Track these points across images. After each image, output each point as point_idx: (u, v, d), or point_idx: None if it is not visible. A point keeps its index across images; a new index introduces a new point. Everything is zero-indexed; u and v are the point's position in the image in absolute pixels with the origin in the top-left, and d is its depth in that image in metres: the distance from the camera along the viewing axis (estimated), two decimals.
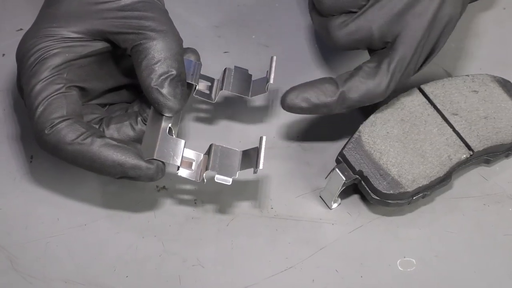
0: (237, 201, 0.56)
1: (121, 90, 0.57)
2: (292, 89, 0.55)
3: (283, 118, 0.61)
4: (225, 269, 0.54)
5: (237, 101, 0.61)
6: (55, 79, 0.51)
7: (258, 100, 0.61)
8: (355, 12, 0.55)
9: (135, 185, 0.56)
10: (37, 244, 0.54)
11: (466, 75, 0.59)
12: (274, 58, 0.58)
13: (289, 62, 0.63)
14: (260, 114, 0.61)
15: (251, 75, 0.58)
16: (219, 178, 0.52)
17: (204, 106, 0.61)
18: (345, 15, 0.55)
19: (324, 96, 0.54)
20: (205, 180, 0.52)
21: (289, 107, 0.55)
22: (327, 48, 0.65)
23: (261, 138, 0.53)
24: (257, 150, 0.53)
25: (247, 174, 0.54)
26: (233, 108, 0.61)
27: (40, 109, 0.51)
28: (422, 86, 0.59)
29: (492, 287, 0.54)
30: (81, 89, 0.53)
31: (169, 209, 0.56)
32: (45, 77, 0.51)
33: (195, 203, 0.56)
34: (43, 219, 0.55)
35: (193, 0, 0.68)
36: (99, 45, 0.53)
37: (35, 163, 0.57)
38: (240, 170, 0.53)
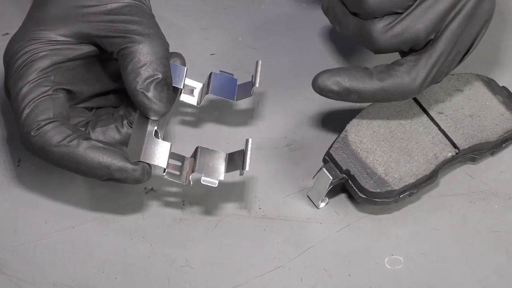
0: (225, 202, 0.57)
1: (108, 95, 0.57)
2: (325, 71, 0.55)
3: (269, 120, 0.61)
4: (214, 270, 0.54)
5: (223, 104, 0.61)
6: (42, 81, 0.51)
7: (243, 103, 0.62)
8: (399, 13, 0.54)
9: (123, 187, 0.57)
10: (25, 247, 0.54)
11: (451, 74, 0.60)
12: (260, 62, 0.58)
13: (275, 64, 0.64)
14: (246, 117, 0.61)
15: (236, 79, 0.59)
16: (205, 180, 0.52)
17: (189, 110, 0.62)
18: (388, 16, 0.54)
19: (357, 82, 0.54)
20: (191, 183, 0.52)
21: (320, 88, 0.54)
22: (315, 50, 0.65)
23: (247, 141, 0.53)
24: (243, 153, 0.53)
25: (235, 175, 0.54)
26: (219, 111, 0.62)
27: (26, 111, 0.51)
28: None
29: (479, 283, 0.54)
30: (68, 92, 0.53)
31: (157, 211, 0.56)
32: (32, 80, 0.51)
33: (183, 204, 0.57)
34: (31, 222, 0.55)
35: (180, 2, 0.68)
36: (86, 48, 0.53)
37: (23, 167, 0.58)
38: (226, 172, 0.53)
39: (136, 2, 0.54)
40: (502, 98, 0.60)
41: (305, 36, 0.66)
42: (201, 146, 0.54)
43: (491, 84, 0.60)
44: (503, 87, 0.61)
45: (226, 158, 0.54)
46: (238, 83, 0.59)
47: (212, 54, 0.65)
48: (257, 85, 0.57)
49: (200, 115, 0.61)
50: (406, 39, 0.54)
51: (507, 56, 0.65)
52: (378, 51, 0.55)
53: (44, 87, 0.51)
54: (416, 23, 0.53)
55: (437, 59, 0.54)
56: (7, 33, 0.64)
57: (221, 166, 0.53)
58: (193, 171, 0.53)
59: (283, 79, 0.64)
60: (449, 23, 0.53)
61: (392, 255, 0.55)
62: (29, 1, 0.57)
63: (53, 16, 0.53)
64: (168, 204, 0.57)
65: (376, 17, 0.54)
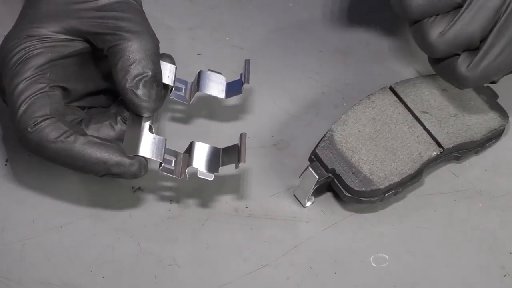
0: (212, 201, 0.57)
1: (99, 95, 0.57)
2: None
3: (256, 119, 0.61)
4: (201, 268, 0.54)
5: (211, 101, 0.62)
6: (39, 78, 0.52)
7: (230, 102, 0.62)
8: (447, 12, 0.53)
9: (111, 186, 0.57)
10: (13, 246, 0.54)
11: (435, 75, 0.60)
12: (249, 60, 0.59)
13: (262, 64, 0.64)
14: (234, 113, 0.62)
15: (224, 78, 0.59)
16: (202, 173, 0.53)
17: (179, 107, 0.62)
18: (441, 19, 0.53)
19: None
20: (188, 176, 0.53)
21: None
22: (303, 50, 0.66)
23: (241, 135, 0.54)
24: (237, 147, 0.54)
25: (222, 173, 0.55)
26: (207, 108, 0.62)
27: (23, 107, 0.51)
28: (393, 85, 0.60)
29: (463, 281, 0.55)
30: (64, 89, 0.54)
31: (144, 209, 0.56)
32: (29, 76, 0.51)
33: (171, 203, 0.57)
34: (19, 221, 0.55)
35: (167, 2, 0.68)
36: (80, 45, 0.54)
37: (10, 167, 0.58)
38: (221, 166, 0.54)
39: None
40: (486, 97, 0.60)
41: (292, 36, 0.67)
42: (195, 141, 0.54)
43: None
44: (487, 86, 0.61)
45: (220, 153, 0.54)
46: (227, 81, 0.59)
47: (199, 54, 0.65)
48: (248, 82, 0.58)
49: (189, 112, 0.62)
50: (461, 42, 0.53)
51: None
52: (435, 55, 0.55)
53: (41, 84, 0.51)
54: (469, 25, 0.53)
55: (494, 55, 0.53)
56: None
57: (217, 160, 0.54)
58: (188, 166, 0.53)
59: (270, 78, 0.64)
60: (499, 19, 0.53)
61: (377, 253, 0.55)
62: (17, 1, 0.57)
63: (46, 13, 0.53)
64: (155, 203, 0.57)
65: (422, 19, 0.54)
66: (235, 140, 0.54)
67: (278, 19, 0.68)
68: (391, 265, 0.55)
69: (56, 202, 0.56)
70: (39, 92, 0.51)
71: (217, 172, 0.53)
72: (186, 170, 0.53)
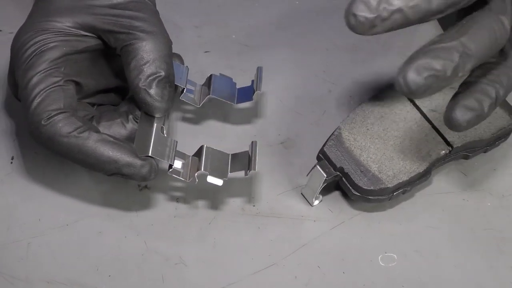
0: (219, 200, 0.57)
1: (110, 93, 0.57)
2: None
3: (263, 118, 0.61)
4: (208, 267, 0.54)
5: (219, 104, 0.61)
6: (53, 72, 0.51)
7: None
8: None
9: (118, 185, 0.56)
10: (19, 244, 0.54)
11: None
12: (262, 68, 0.59)
13: (269, 61, 0.64)
14: (240, 114, 0.62)
15: (235, 83, 0.60)
16: (211, 179, 0.53)
17: (188, 107, 0.62)
18: None
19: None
20: (197, 180, 0.53)
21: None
22: (309, 48, 0.66)
23: (252, 143, 0.54)
24: (247, 154, 0.54)
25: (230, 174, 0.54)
26: (214, 109, 0.62)
27: (37, 100, 0.50)
28: None
29: (472, 281, 0.54)
30: (77, 84, 0.53)
31: (151, 208, 0.56)
32: (43, 69, 0.51)
33: (178, 202, 0.56)
34: (25, 219, 0.55)
35: (173, 0, 0.68)
36: (93, 41, 0.53)
37: (16, 164, 0.57)
38: (230, 172, 0.54)
39: None
40: None
41: (298, 33, 0.66)
42: (206, 145, 0.54)
43: None
44: None
45: (229, 158, 0.54)
46: (238, 86, 0.59)
47: (206, 52, 0.64)
48: (260, 90, 0.58)
49: (198, 113, 0.61)
50: None
51: None
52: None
53: (55, 78, 0.51)
54: None
55: None
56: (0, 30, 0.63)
57: (226, 166, 0.54)
58: (197, 169, 0.53)
59: (276, 76, 0.64)
60: None
61: (385, 253, 0.55)
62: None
63: (60, 7, 0.53)
64: (162, 202, 0.57)
65: None
66: (243, 141, 0.54)
67: (284, 17, 0.67)
68: (399, 265, 0.55)
69: (62, 200, 0.56)
70: (53, 85, 0.51)
71: (226, 178, 0.53)
72: (196, 174, 0.53)
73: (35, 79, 0.51)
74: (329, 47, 0.66)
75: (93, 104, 0.56)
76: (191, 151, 0.55)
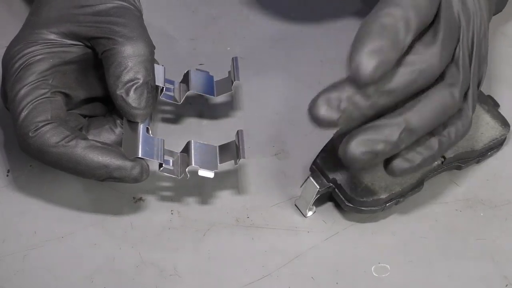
0: (213, 211, 0.57)
1: (97, 103, 0.57)
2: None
3: (258, 125, 0.61)
4: (202, 278, 0.54)
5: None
6: (40, 84, 0.52)
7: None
8: None
9: (112, 196, 0.57)
10: (14, 257, 0.54)
11: None
12: (237, 58, 0.60)
13: (263, 73, 0.64)
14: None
15: (212, 76, 0.60)
16: (202, 172, 0.54)
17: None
18: None
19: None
20: (188, 176, 0.53)
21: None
22: (304, 61, 0.66)
23: (238, 132, 0.55)
24: (234, 144, 0.55)
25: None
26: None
27: (24, 112, 0.51)
28: None
29: None
30: (65, 95, 0.54)
31: (146, 220, 0.56)
32: (30, 82, 0.52)
33: (172, 214, 0.57)
34: (21, 232, 0.55)
35: (169, 12, 0.69)
36: (80, 50, 0.54)
37: (12, 177, 0.58)
38: (220, 163, 0.54)
39: (124, 4, 0.55)
40: (487, 107, 0.60)
41: (293, 46, 0.67)
42: (192, 140, 0.55)
43: None
44: (488, 96, 0.61)
45: (217, 150, 0.55)
46: (215, 79, 0.60)
47: (200, 64, 0.65)
48: (238, 79, 0.58)
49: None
50: None
51: (493, 65, 0.66)
52: None
53: (42, 90, 0.52)
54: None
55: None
56: None
57: (215, 158, 0.55)
58: (188, 165, 0.53)
59: (271, 88, 0.64)
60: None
61: (379, 263, 0.55)
62: (21, 10, 0.57)
63: (47, 18, 0.54)
64: (156, 213, 0.57)
65: None
66: (231, 139, 0.55)
67: (279, 30, 0.68)
68: (392, 275, 0.55)
69: (58, 212, 0.56)
70: (40, 97, 0.51)
71: (217, 169, 0.54)
72: (187, 170, 0.53)
73: (22, 92, 0.51)
74: (323, 59, 0.66)
75: (84, 116, 0.57)
76: (177, 149, 0.55)
